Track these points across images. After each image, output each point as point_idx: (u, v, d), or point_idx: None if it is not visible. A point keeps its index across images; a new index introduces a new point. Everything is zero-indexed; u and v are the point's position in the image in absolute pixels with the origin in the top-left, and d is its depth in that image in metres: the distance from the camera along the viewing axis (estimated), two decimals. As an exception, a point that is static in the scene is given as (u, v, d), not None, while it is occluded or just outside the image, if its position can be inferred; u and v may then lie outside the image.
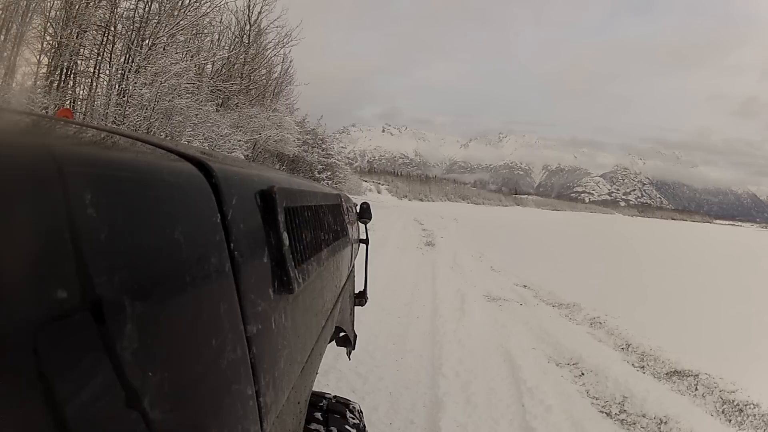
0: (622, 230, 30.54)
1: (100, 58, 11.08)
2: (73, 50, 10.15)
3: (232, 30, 17.21)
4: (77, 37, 10.19)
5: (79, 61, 10.75)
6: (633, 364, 3.43)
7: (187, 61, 12.32)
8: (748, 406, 2.85)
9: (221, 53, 16.01)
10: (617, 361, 3.43)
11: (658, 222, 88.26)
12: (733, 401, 2.92)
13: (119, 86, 10.48)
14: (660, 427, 2.50)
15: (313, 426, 1.11)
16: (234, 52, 16.68)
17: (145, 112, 10.52)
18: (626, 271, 8.60)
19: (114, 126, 8.90)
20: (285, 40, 18.13)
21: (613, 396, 2.84)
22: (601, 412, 2.64)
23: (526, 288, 5.94)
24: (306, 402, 0.80)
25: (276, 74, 19.80)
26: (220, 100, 15.69)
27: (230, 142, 13.04)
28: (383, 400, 2.48)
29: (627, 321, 4.50)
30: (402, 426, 2.25)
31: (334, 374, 2.67)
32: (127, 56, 10.83)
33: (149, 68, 10.69)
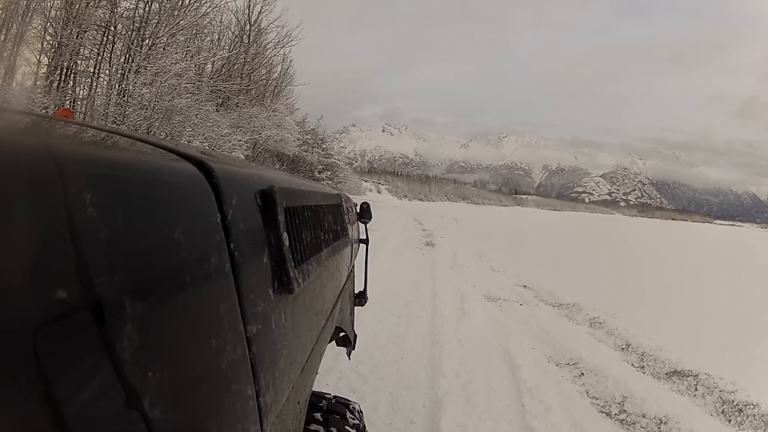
0: (622, 230, 30.53)
1: (100, 58, 11.07)
2: (73, 50, 10.14)
3: (232, 30, 17.25)
4: (77, 37, 10.18)
5: (79, 61, 10.74)
6: (633, 364, 3.43)
7: (187, 61, 12.31)
8: (747, 406, 2.85)
9: (221, 53, 16.01)
10: (617, 362, 3.43)
11: (658, 222, 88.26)
12: (733, 401, 2.92)
13: (119, 86, 10.47)
14: (660, 427, 2.50)
15: (313, 426, 1.11)
16: (234, 52, 16.69)
17: (145, 112, 10.51)
18: (626, 272, 8.60)
19: (114, 126, 8.89)
20: (285, 40, 18.18)
21: (613, 396, 2.84)
22: (601, 412, 2.64)
23: (526, 288, 5.93)
24: (306, 402, 0.80)
25: (276, 74, 19.84)
26: (220, 100, 15.69)
27: (230, 142, 13.04)
28: (383, 400, 2.48)
29: (627, 321, 4.51)
30: (402, 426, 2.25)
31: (334, 374, 2.67)
32: (127, 56, 10.83)
33: (149, 68, 10.68)
